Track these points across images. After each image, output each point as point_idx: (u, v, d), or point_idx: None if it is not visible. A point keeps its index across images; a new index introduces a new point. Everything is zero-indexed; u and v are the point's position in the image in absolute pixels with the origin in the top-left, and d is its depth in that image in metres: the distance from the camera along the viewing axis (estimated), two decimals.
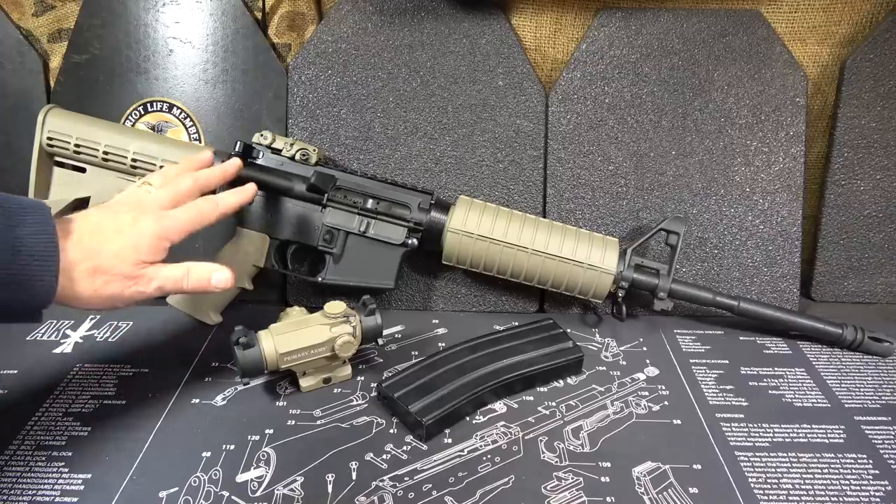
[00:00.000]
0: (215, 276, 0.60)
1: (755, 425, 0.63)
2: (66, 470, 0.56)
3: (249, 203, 0.67)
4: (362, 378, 0.69)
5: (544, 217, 0.80)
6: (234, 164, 0.68)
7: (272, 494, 0.54)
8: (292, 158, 0.75)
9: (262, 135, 0.75)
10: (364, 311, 0.67)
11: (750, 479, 0.57)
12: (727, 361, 0.73)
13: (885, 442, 0.62)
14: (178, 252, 0.82)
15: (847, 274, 0.86)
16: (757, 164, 0.82)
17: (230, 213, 0.64)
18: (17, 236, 0.48)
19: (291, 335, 0.63)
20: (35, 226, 0.50)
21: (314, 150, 0.75)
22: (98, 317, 0.78)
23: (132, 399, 0.65)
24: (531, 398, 0.66)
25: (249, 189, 0.66)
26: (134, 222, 0.56)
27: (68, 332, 0.75)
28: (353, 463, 0.57)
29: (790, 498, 0.55)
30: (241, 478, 0.56)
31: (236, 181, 0.72)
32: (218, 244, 0.77)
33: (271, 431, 0.61)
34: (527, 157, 0.82)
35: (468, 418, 0.63)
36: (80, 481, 0.55)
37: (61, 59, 0.82)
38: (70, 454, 0.58)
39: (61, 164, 0.77)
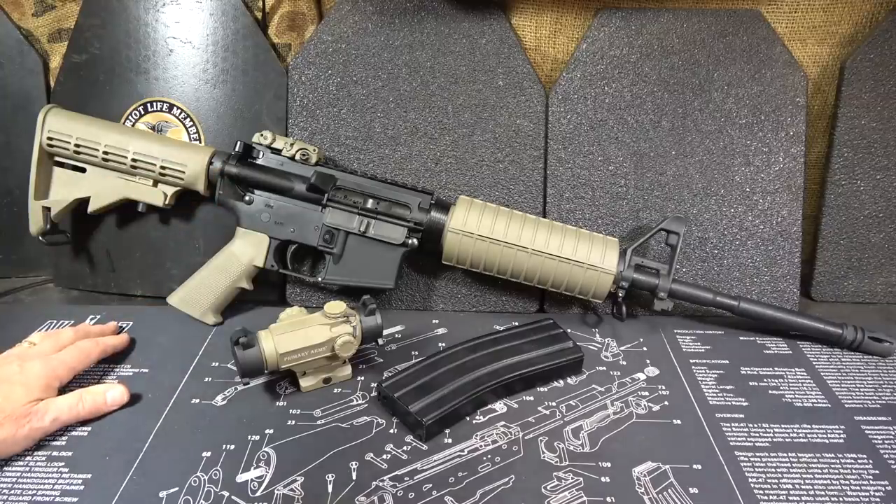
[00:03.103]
0: (109, 395, 0.63)
1: (755, 425, 0.63)
2: (66, 470, 0.56)
3: (124, 348, 0.71)
4: (362, 378, 0.69)
5: (544, 217, 0.80)
6: (110, 327, 0.74)
7: (272, 494, 0.54)
8: (292, 158, 0.75)
9: (262, 135, 0.75)
10: (364, 311, 0.67)
11: (750, 479, 0.57)
12: (727, 361, 0.73)
13: (885, 442, 0.62)
14: (179, 251, 0.82)
15: (847, 274, 0.86)
16: (757, 164, 0.82)
17: (110, 352, 0.69)
18: None
19: (291, 335, 0.63)
20: None
21: (314, 150, 0.75)
22: (98, 317, 0.78)
23: (132, 399, 0.65)
24: (531, 398, 0.66)
25: (124, 338, 0.72)
26: (21, 369, 0.60)
27: None
28: (353, 463, 0.57)
29: (790, 498, 0.55)
30: (241, 478, 0.56)
31: (235, 182, 0.74)
32: (218, 244, 0.77)
33: (271, 431, 0.61)
34: (527, 157, 0.82)
35: (468, 418, 0.63)
36: (80, 481, 0.55)
37: (61, 59, 0.82)
38: (70, 454, 0.58)
39: (61, 164, 0.77)
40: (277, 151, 0.75)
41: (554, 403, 0.66)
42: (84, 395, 0.61)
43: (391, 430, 0.62)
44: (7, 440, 0.56)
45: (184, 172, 0.75)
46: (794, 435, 0.62)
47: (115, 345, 0.70)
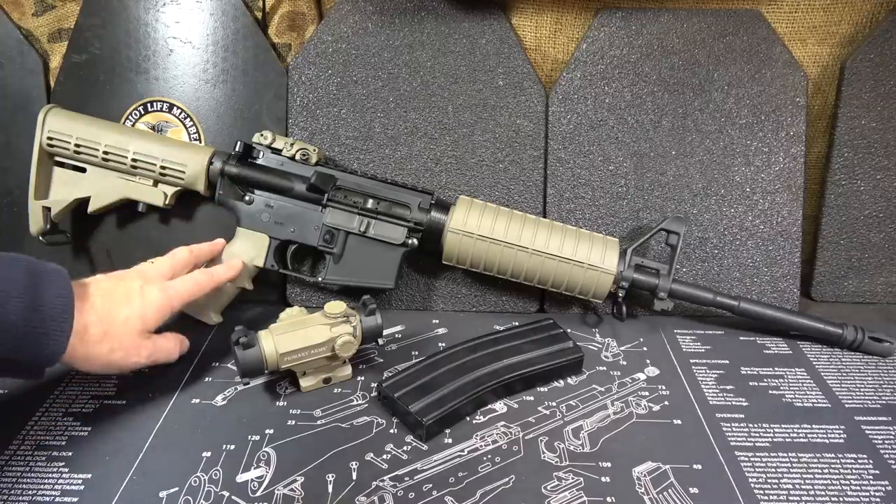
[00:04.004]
0: (185, 345, 0.69)
1: (755, 425, 0.63)
2: (66, 470, 0.56)
3: (236, 277, 0.74)
4: (362, 378, 0.69)
5: (544, 217, 0.80)
6: (219, 244, 0.75)
7: (272, 494, 0.54)
8: (292, 158, 0.75)
9: (262, 135, 0.75)
10: (364, 311, 0.67)
11: (750, 479, 0.57)
12: (727, 361, 0.73)
13: (886, 442, 0.62)
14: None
15: (847, 274, 0.86)
16: (757, 164, 0.82)
17: (221, 284, 0.72)
18: (39, 296, 0.52)
19: (291, 335, 0.63)
20: (56, 288, 0.54)
21: (314, 150, 0.75)
22: None
23: (132, 399, 0.65)
24: (531, 398, 0.66)
25: (235, 265, 0.74)
26: (142, 290, 0.63)
27: None
28: (354, 463, 0.57)
29: (790, 498, 0.55)
30: (241, 478, 0.56)
31: (235, 182, 0.74)
32: None
33: (271, 431, 0.61)
34: (527, 157, 0.82)
35: (468, 418, 0.63)
36: (80, 481, 0.55)
37: (61, 59, 0.82)
38: (70, 454, 0.58)
39: (61, 164, 0.77)
40: (277, 151, 0.75)
41: (554, 403, 0.66)
42: (183, 343, 0.67)
43: (391, 430, 0.62)
44: (114, 364, 0.60)
45: (184, 172, 0.75)
46: (795, 435, 0.62)
47: (224, 277, 0.72)
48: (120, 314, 0.60)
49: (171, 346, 0.65)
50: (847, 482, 0.57)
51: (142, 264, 0.67)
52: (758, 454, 0.60)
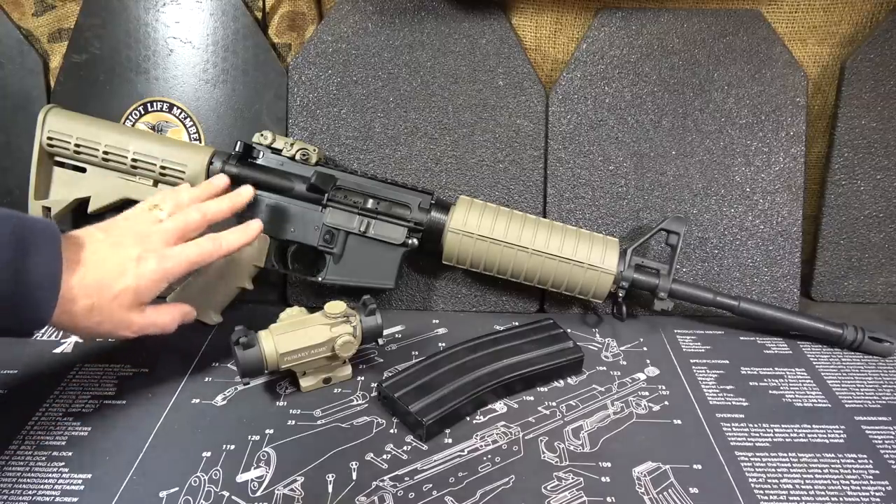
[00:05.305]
0: (189, 317, 0.66)
1: (755, 425, 0.63)
2: (66, 470, 0.56)
3: (252, 242, 0.67)
4: (362, 378, 0.69)
5: (544, 217, 0.80)
6: (246, 195, 0.68)
7: (272, 494, 0.54)
8: (292, 158, 0.75)
9: (262, 135, 0.75)
10: (364, 311, 0.67)
11: (750, 479, 0.57)
12: (727, 361, 0.73)
13: (886, 442, 0.62)
14: None
15: (847, 274, 0.86)
16: (757, 164, 0.82)
17: (232, 252, 0.65)
18: (25, 266, 0.49)
19: (291, 335, 0.63)
20: (44, 256, 0.51)
21: (314, 150, 0.75)
22: None
23: (132, 399, 0.65)
24: (531, 398, 0.66)
25: (253, 229, 0.66)
26: (138, 262, 0.58)
27: None
28: (354, 463, 0.57)
29: (790, 498, 0.55)
30: (241, 478, 0.56)
31: (235, 182, 0.72)
32: None
33: (271, 431, 0.61)
34: (527, 157, 0.82)
35: (468, 418, 0.63)
36: (80, 481, 0.55)
37: (61, 59, 0.82)
38: (70, 454, 0.58)
39: (61, 164, 0.77)
40: (277, 151, 0.75)
41: (554, 403, 0.66)
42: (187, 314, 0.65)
43: (391, 430, 0.62)
44: (103, 334, 0.58)
45: (184, 172, 0.75)
46: (795, 435, 0.62)
47: (235, 245, 0.65)
48: (111, 288, 0.56)
49: (166, 320, 0.62)
50: (847, 482, 0.57)
51: (147, 216, 0.62)
52: (758, 454, 0.60)
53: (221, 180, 0.70)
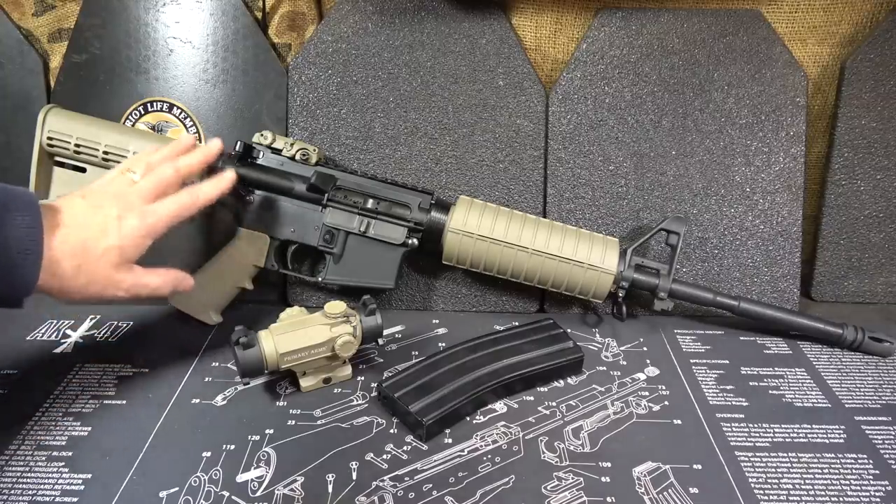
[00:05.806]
0: (185, 283, 0.65)
1: (755, 425, 0.63)
2: (66, 470, 0.56)
3: (228, 191, 0.67)
4: (362, 378, 0.69)
5: (544, 217, 0.80)
6: (216, 145, 0.67)
7: (272, 494, 0.54)
8: (292, 158, 0.75)
9: (262, 135, 0.75)
10: (364, 311, 0.67)
11: (750, 479, 0.57)
12: (727, 361, 0.73)
13: (886, 442, 0.62)
14: (179, 251, 0.82)
15: (847, 274, 0.86)
16: (757, 164, 0.82)
17: (210, 203, 0.65)
18: (4, 229, 0.49)
19: (291, 335, 0.63)
20: (24, 219, 0.51)
21: (314, 150, 0.75)
22: (98, 317, 0.78)
23: (132, 399, 0.65)
24: (531, 398, 0.66)
25: (227, 177, 0.66)
26: (119, 220, 0.57)
27: (68, 332, 0.75)
28: (354, 463, 0.57)
29: (790, 498, 0.55)
30: (241, 478, 0.56)
31: (238, 182, 0.72)
32: (218, 244, 0.77)
33: (271, 431, 0.61)
34: (527, 157, 0.82)
35: (468, 418, 0.63)
36: (80, 481, 0.55)
37: (61, 59, 0.82)
38: (70, 454, 0.58)
39: (61, 164, 0.76)
40: (277, 151, 0.75)
41: (554, 403, 0.66)
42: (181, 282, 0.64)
43: (391, 430, 0.62)
44: (93, 296, 0.57)
45: None
46: (795, 435, 0.62)
47: (212, 194, 0.64)
48: (95, 247, 0.55)
49: (158, 282, 0.61)
50: (847, 482, 0.57)
51: (121, 179, 0.61)
52: (758, 454, 0.60)
53: (190, 139, 0.68)
